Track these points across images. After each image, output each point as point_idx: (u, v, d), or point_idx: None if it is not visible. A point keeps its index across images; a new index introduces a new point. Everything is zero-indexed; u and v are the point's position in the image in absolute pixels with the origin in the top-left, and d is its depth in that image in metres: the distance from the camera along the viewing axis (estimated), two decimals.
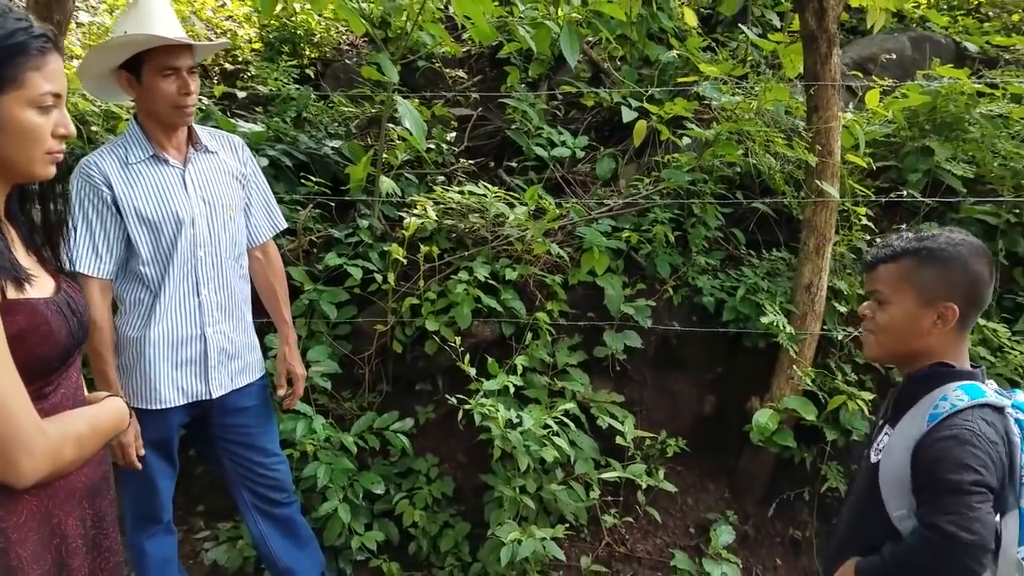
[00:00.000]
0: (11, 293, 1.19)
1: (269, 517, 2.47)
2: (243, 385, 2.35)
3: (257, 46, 4.76)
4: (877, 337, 1.59)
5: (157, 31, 2.03)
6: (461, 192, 3.33)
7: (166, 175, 2.17)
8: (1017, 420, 1.43)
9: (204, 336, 2.23)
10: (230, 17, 5.18)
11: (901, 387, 1.61)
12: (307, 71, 4.59)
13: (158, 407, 2.20)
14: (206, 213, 2.22)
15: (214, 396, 2.26)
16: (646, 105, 3.58)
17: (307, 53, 4.79)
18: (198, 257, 2.21)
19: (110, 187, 2.08)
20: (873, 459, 1.56)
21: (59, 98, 1.25)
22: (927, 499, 1.40)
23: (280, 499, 2.47)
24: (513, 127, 3.98)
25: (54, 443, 1.20)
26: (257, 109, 4.08)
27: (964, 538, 1.31)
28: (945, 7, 5.32)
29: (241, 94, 4.00)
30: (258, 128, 3.57)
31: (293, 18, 4.79)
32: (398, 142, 3.55)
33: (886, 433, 1.56)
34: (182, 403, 2.22)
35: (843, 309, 3.17)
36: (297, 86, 4.23)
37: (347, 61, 4.87)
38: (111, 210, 2.09)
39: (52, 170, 1.29)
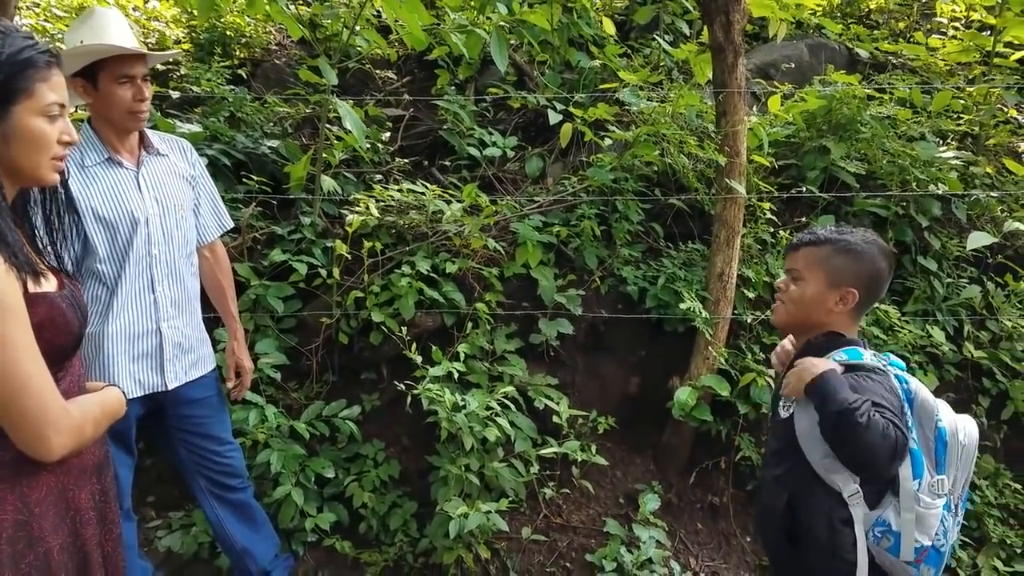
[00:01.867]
0: (31, 287, 1.29)
1: (224, 502, 2.56)
2: (196, 377, 2.43)
3: (187, 47, 4.74)
4: (787, 307, 1.85)
5: (114, 41, 2.12)
6: (400, 190, 3.43)
7: (121, 177, 2.25)
8: (897, 376, 1.69)
9: (160, 331, 2.30)
10: (154, 17, 5.13)
11: (799, 352, 1.85)
12: (239, 71, 4.61)
13: None
14: (159, 213, 2.30)
15: (169, 388, 2.34)
16: (571, 109, 3.78)
17: (237, 54, 4.80)
18: (152, 255, 2.29)
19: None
20: (784, 414, 1.79)
21: (63, 108, 1.36)
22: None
23: (235, 485, 2.57)
24: (445, 127, 4.09)
25: (77, 422, 1.32)
26: (190, 109, 4.09)
27: (895, 432, 1.51)
28: (838, 15, 5.64)
29: (175, 94, 4.01)
30: (196, 128, 3.61)
31: (222, 19, 4.79)
32: (335, 142, 3.63)
33: None
34: (139, 395, 2.29)
35: (751, 295, 3.41)
36: (231, 87, 4.25)
37: (276, 61, 4.89)
38: None
39: (56, 175, 1.39)
